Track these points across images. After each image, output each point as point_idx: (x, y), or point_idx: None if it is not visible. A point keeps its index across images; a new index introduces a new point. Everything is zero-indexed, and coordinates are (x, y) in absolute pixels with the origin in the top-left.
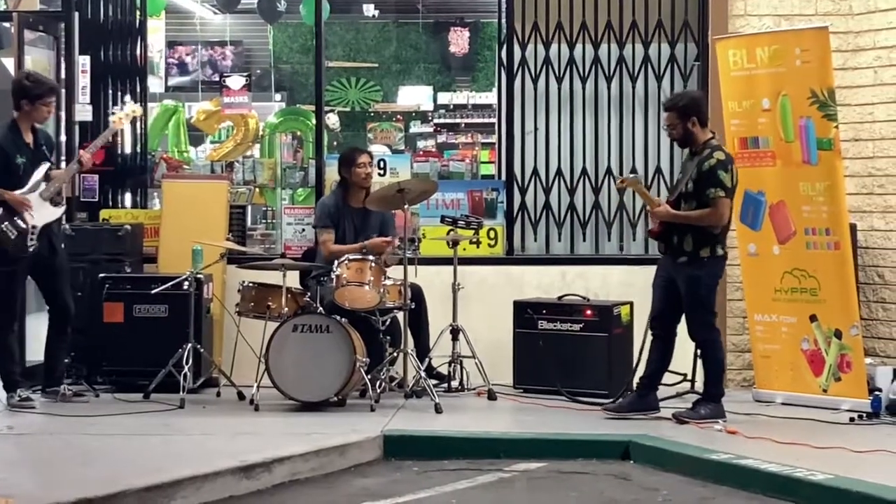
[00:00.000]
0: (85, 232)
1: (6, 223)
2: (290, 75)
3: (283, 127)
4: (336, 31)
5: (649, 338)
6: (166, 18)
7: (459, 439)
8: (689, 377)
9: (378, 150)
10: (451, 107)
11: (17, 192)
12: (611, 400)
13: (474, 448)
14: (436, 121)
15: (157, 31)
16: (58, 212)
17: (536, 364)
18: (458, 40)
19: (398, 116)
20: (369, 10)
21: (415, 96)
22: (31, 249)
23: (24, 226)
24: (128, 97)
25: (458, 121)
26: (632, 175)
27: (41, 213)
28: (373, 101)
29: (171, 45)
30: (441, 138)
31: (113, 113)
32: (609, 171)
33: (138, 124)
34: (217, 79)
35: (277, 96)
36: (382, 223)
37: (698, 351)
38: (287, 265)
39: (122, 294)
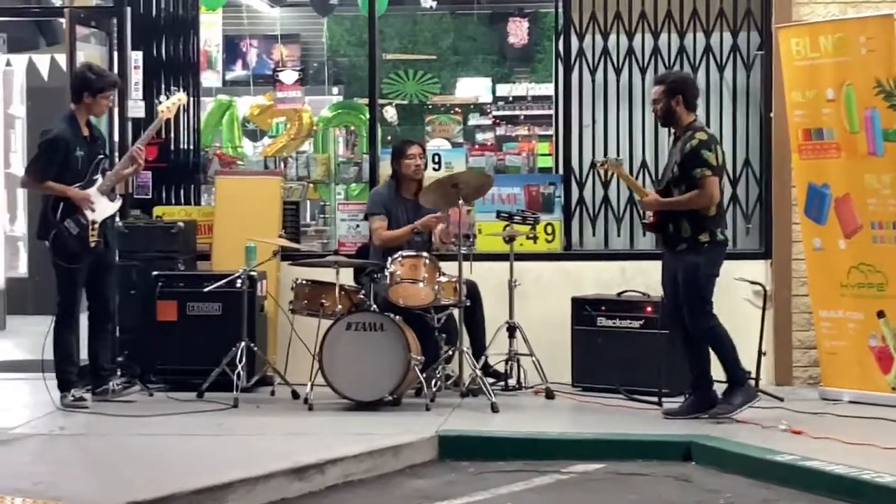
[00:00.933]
0: (138, 229)
1: (68, 219)
2: (348, 69)
3: (337, 121)
4: (393, 23)
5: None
6: (223, 12)
7: (516, 440)
8: (754, 375)
9: (435, 143)
10: (511, 99)
11: (76, 186)
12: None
13: (531, 449)
14: (495, 113)
15: (213, 26)
16: (115, 206)
17: (595, 362)
18: (517, 31)
19: (456, 109)
20: (427, 1)
21: (473, 88)
22: (93, 245)
23: (85, 221)
24: (175, 89)
25: (517, 113)
26: (613, 158)
27: (100, 208)
28: (431, 94)
29: (228, 39)
30: (500, 131)
31: (159, 102)
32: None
33: (191, 119)
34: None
35: (334, 90)
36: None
37: (763, 351)
38: (340, 262)
39: (175, 292)
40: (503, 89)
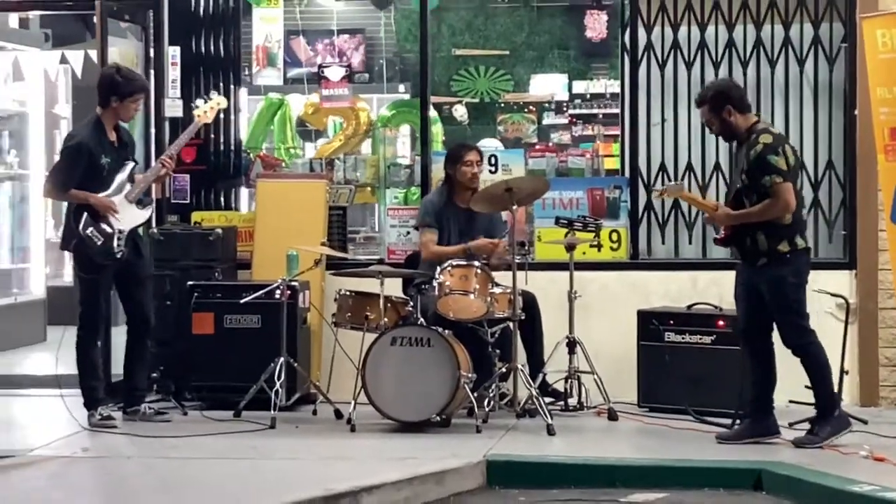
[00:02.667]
0: (174, 236)
1: (91, 228)
2: (414, 65)
3: (397, 120)
4: (463, 16)
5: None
6: (284, 7)
7: (571, 465)
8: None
9: (490, 144)
10: (588, 96)
11: (102, 194)
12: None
13: (587, 475)
14: (571, 111)
15: (275, 21)
16: (145, 214)
17: (663, 380)
18: (596, 25)
19: (530, 107)
20: None
21: (548, 85)
22: (118, 255)
23: (109, 230)
24: (214, 93)
25: (594, 111)
26: (673, 184)
27: (127, 217)
28: (503, 91)
29: (288, 34)
30: (577, 130)
31: (196, 107)
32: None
33: (232, 119)
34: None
35: (401, 87)
36: (490, 224)
37: (846, 369)
38: (384, 272)
39: (211, 303)
40: (580, 86)
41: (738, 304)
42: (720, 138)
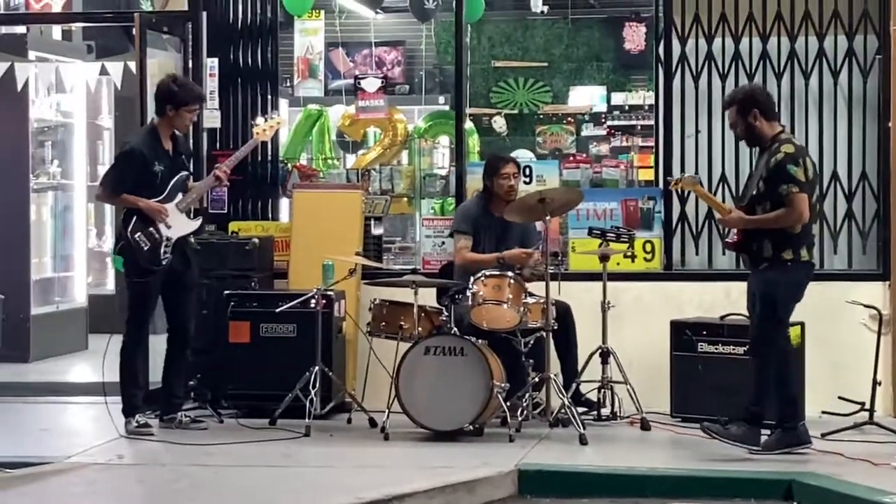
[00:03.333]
0: (211, 246)
1: (140, 233)
2: (453, 77)
3: (433, 132)
4: (503, 28)
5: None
6: (325, 19)
7: (601, 475)
8: (868, 406)
9: (524, 155)
10: (626, 108)
11: (154, 200)
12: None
13: (618, 485)
14: (609, 123)
15: (316, 33)
16: (194, 225)
17: (695, 390)
18: (634, 36)
19: (569, 119)
20: (538, 5)
21: (587, 97)
22: (164, 262)
23: (157, 237)
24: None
25: (633, 123)
26: (689, 175)
27: (177, 225)
28: (542, 103)
29: (330, 46)
30: (615, 142)
31: (255, 124)
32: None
33: None
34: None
35: (441, 99)
36: (524, 234)
37: (879, 380)
38: (418, 282)
39: (248, 312)
40: (618, 98)
41: (750, 313)
42: (745, 144)
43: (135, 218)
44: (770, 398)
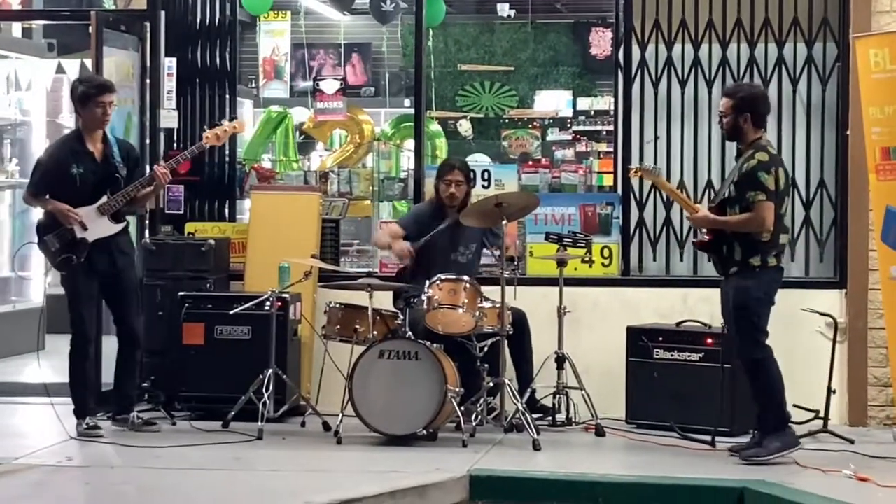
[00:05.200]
0: (166, 247)
1: (50, 234)
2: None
3: (400, 135)
4: (469, 32)
5: None
6: (292, 20)
7: (553, 481)
8: (822, 414)
9: (482, 160)
10: (592, 113)
11: (83, 208)
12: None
13: (570, 491)
14: (575, 128)
15: (282, 34)
16: (115, 228)
17: (651, 397)
18: (600, 42)
19: (535, 123)
20: (504, 9)
21: (553, 101)
22: (73, 263)
23: (70, 238)
24: (236, 119)
25: (599, 128)
26: (649, 165)
27: (94, 227)
28: (508, 107)
29: (295, 48)
30: (580, 147)
31: (206, 127)
32: (710, 183)
33: None
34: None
35: (407, 101)
36: (478, 240)
37: (833, 388)
38: (373, 285)
39: (202, 314)
40: (584, 103)
41: (724, 318)
42: (724, 135)
43: (47, 219)
44: (782, 397)
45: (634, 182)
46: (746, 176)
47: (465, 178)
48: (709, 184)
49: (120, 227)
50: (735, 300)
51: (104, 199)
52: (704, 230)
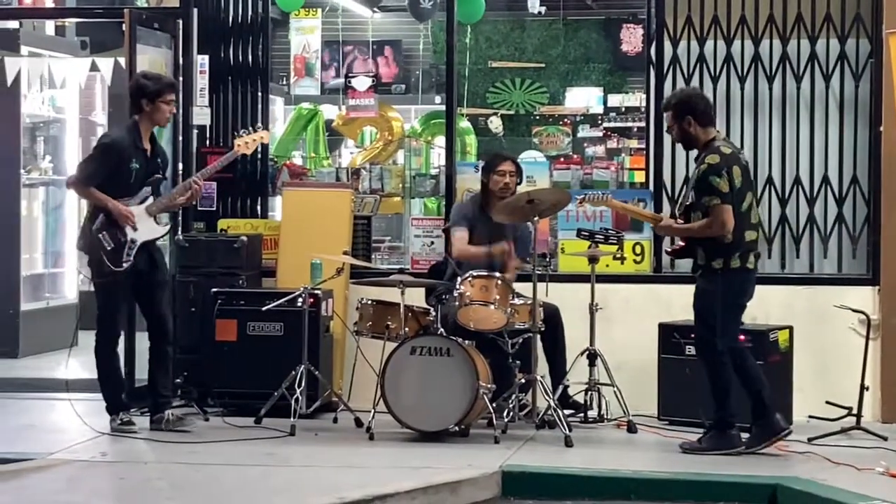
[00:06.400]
0: (199, 243)
1: (104, 232)
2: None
3: (430, 132)
4: (500, 29)
5: None
6: (323, 17)
7: (585, 477)
8: (855, 411)
9: (530, 156)
10: (623, 110)
11: (126, 202)
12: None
13: (602, 487)
14: (606, 124)
15: (312, 31)
16: (162, 230)
17: (682, 394)
18: (631, 38)
19: (565, 120)
20: (535, 6)
21: (583, 98)
22: (125, 265)
23: (122, 239)
24: (260, 126)
25: (630, 125)
26: (595, 192)
27: (144, 229)
28: (538, 104)
29: (327, 45)
30: (611, 144)
31: (238, 135)
32: (770, 181)
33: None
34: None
35: (438, 98)
36: (517, 238)
37: (866, 385)
38: (405, 281)
39: (235, 310)
40: (615, 100)
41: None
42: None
43: (101, 216)
44: (728, 399)
45: (666, 179)
46: (699, 181)
47: (518, 171)
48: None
49: (166, 229)
50: (696, 302)
51: (150, 199)
52: (678, 238)
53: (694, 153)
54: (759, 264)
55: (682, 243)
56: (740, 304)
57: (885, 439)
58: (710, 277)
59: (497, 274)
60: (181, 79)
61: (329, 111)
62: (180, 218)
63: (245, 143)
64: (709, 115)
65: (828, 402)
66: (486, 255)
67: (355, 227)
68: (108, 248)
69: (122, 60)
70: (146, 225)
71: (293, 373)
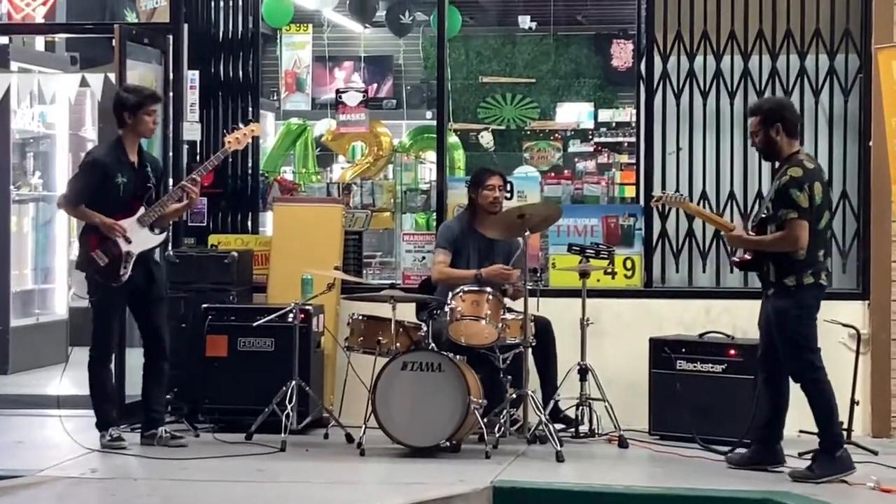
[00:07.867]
0: (189, 259)
1: (97, 249)
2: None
3: (418, 147)
4: (491, 44)
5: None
6: (313, 33)
7: (577, 493)
8: (845, 426)
9: (522, 171)
10: (613, 125)
11: (118, 215)
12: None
13: (593, 502)
14: (596, 139)
15: (303, 47)
16: (157, 239)
17: (674, 408)
18: (621, 53)
19: (556, 135)
20: (525, 21)
21: (574, 113)
22: (123, 278)
23: (116, 252)
24: (251, 121)
25: (620, 139)
26: (673, 193)
27: (138, 240)
28: (529, 119)
29: (317, 60)
30: (601, 158)
31: (229, 132)
32: (759, 195)
33: (250, 142)
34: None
35: (428, 113)
36: (509, 254)
37: (856, 400)
38: (396, 297)
39: (225, 326)
40: (605, 115)
41: (759, 330)
42: (760, 156)
43: (92, 234)
44: (835, 417)
45: (657, 194)
46: (779, 193)
47: (505, 184)
48: (731, 195)
49: (162, 238)
50: (775, 322)
51: (142, 210)
52: (744, 249)
53: (684, 170)
54: (751, 278)
55: (748, 256)
56: (814, 319)
57: (876, 454)
58: (782, 294)
59: (488, 289)
60: (171, 94)
61: (318, 126)
62: (170, 234)
63: (236, 139)
64: (796, 128)
65: None
66: (474, 276)
67: (346, 243)
68: (103, 264)
69: (113, 76)
70: (139, 236)
71: (284, 388)
